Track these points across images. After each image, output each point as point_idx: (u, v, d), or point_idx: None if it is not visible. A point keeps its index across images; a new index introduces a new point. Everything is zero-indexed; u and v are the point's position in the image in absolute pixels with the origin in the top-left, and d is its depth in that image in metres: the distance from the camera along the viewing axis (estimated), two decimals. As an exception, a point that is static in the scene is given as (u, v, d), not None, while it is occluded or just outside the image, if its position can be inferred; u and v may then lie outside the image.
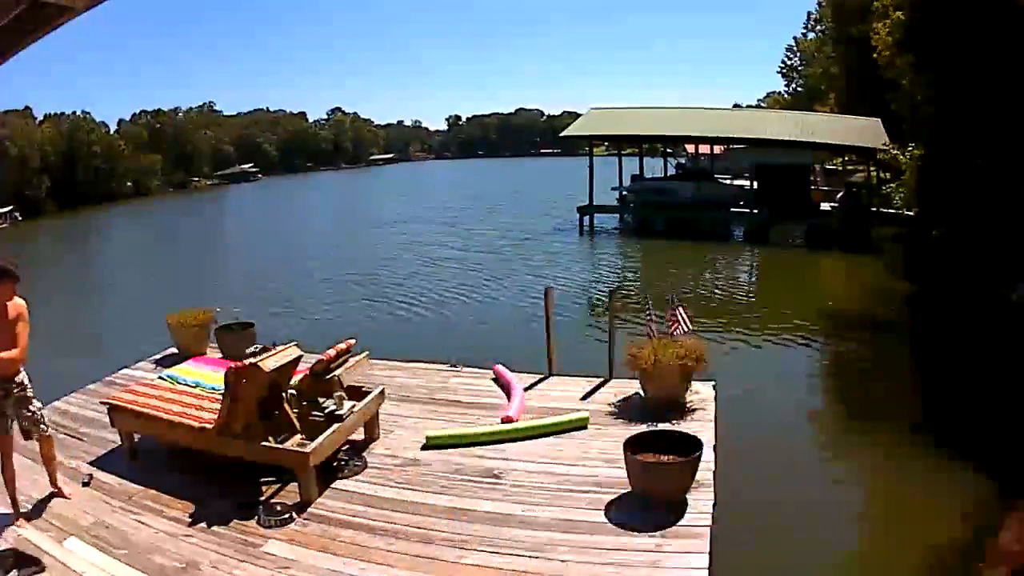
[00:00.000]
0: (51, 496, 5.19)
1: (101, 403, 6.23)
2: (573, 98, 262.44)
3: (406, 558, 4.37)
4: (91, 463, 5.75)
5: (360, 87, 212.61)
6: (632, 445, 4.98)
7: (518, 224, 32.67)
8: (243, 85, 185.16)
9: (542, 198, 44.64)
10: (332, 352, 5.85)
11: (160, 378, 6.54)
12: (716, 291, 18.78)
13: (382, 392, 6.20)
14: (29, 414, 5.01)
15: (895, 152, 22.68)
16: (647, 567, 4.15)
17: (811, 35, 52.67)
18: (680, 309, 7.11)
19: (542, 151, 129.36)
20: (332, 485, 5.30)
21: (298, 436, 5.40)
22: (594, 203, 30.76)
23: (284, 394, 5.56)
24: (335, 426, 5.41)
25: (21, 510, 4.95)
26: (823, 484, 7.77)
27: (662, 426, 5.81)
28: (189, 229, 41.82)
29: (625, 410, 6.46)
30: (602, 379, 7.22)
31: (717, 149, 36.28)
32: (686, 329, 7.02)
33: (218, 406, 5.28)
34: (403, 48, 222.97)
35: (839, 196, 27.71)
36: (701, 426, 5.90)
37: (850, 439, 9.19)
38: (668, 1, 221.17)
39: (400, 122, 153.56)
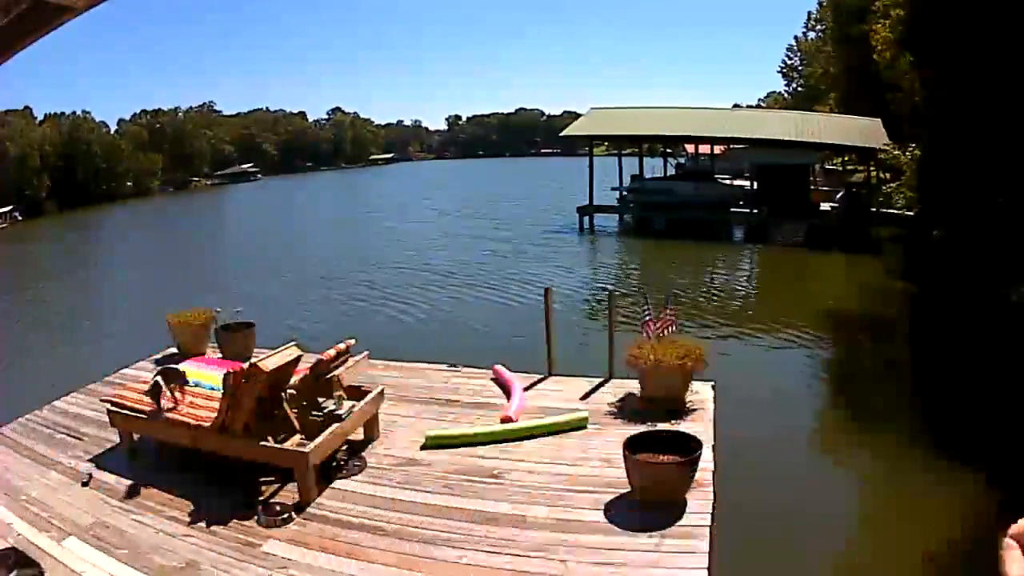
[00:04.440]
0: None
1: (101, 401, 6.23)
2: (573, 98, 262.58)
3: (405, 558, 4.36)
4: (91, 462, 5.74)
5: (360, 87, 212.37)
6: (631, 445, 4.98)
7: (518, 225, 32.68)
8: (243, 85, 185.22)
9: (542, 198, 44.66)
10: (332, 352, 5.85)
11: (160, 378, 6.54)
12: (716, 291, 18.80)
13: (382, 392, 6.20)
14: None
15: (895, 152, 22.70)
16: (646, 567, 4.14)
17: (811, 35, 52.73)
18: (669, 310, 7.10)
19: (542, 151, 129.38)
20: (331, 485, 5.29)
21: (297, 436, 5.40)
22: (594, 203, 30.78)
23: (284, 394, 5.56)
24: (334, 426, 5.41)
25: (20, 509, 4.94)
26: (822, 484, 7.78)
27: (662, 426, 5.79)
28: (195, 229, 41.85)
29: (625, 410, 6.45)
30: (602, 379, 7.20)
31: (717, 149, 36.29)
32: (672, 330, 7.03)
33: (217, 405, 5.28)
34: (403, 47, 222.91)
35: (839, 196, 27.76)
36: (700, 426, 5.89)
37: (849, 439, 9.19)
38: (668, 1, 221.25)
39: (400, 122, 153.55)
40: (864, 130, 26.35)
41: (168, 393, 5.65)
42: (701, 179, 30.96)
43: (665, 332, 6.94)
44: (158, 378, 5.62)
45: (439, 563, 4.31)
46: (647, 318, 7.17)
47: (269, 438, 5.25)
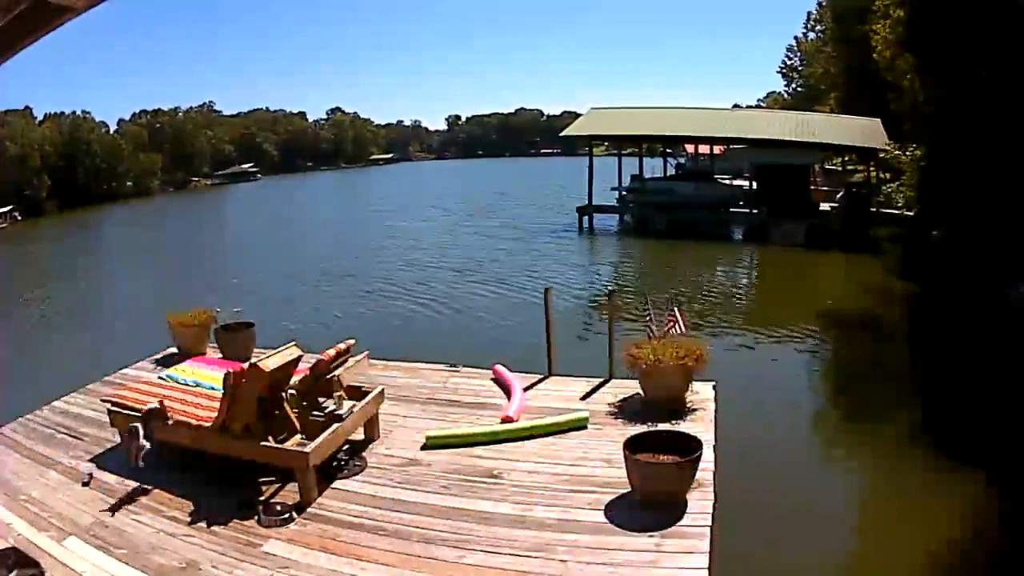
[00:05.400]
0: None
1: (101, 401, 6.22)
2: (573, 98, 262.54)
3: (406, 558, 4.36)
4: (91, 463, 5.74)
5: (360, 87, 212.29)
6: (632, 445, 4.97)
7: (517, 225, 32.68)
8: (243, 84, 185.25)
9: (542, 198, 44.66)
10: (332, 352, 5.84)
11: (160, 378, 6.55)
12: (716, 291, 18.80)
13: (382, 392, 6.19)
14: None
15: (895, 152, 22.72)
16: (647, 567, 4.14)
17: (811, 35, 52.71)
18: (677, 309, 7.10)
19: (542, 151, 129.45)
20: (332, 485, 5.29)
21: (298, 436, 5.40)
22: (594, 203, 30.79)
23: (284, 394, 5.56)
24: (335, 426, 5.41)
25: (20, 509, 4.94)
26: (823, 484, 7.79)
27: (662, 426, 5.79)
28: (195, 229, 41.84)
29: (625, 410, 6.45)
30: (602, 379, 7.20)
31: (717, 149, 36.32)
32: (682, 330, 7.01)
33: (217, 405, 5.28)
34: (403, 47, 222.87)
35: (839, 196, 27.77)
36: (701, 426, 5.89)
37: (850, 439, 9.20)
38: (668, 1, 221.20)
39: (400, 122, 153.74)
40: (864, 130, 26.38)
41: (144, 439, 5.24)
42: (701, 179, 30.99)
43: (673, 331, 6.93)
44: (136, 424, 5.25)
45: (440, 563, 4.31)
46: (648, 318, 7.18)
47: (269, 438, 5.25)
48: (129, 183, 71.47)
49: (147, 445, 5.19)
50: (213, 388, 5.77)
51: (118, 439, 5.95)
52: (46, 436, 6.30)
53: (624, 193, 31.49)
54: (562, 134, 36.34)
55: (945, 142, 18.05)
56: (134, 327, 14.05)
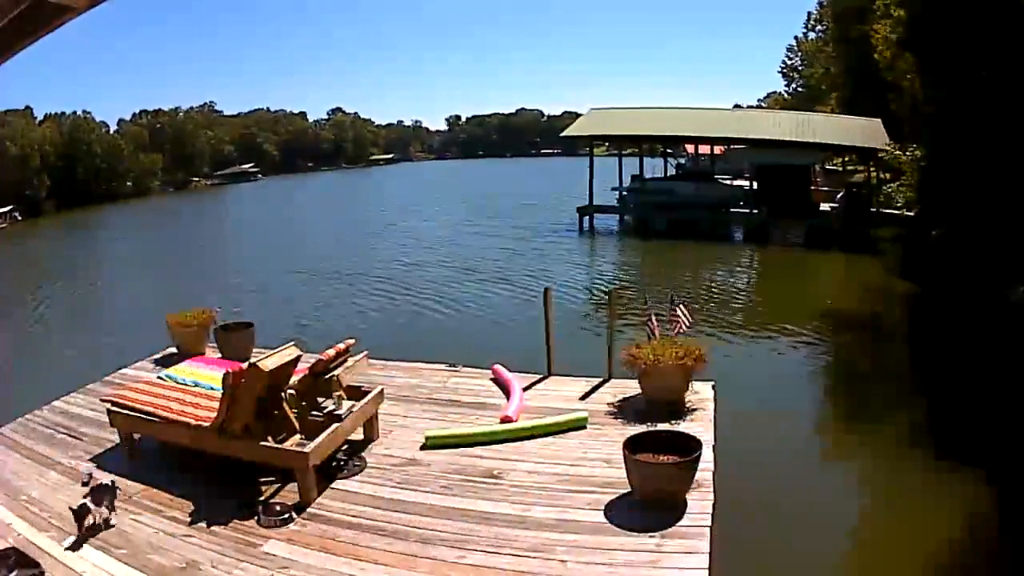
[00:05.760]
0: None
1: (101, 401, 6.22)
2: (573, 98, 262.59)
3: (405, 558, 4.36)
4: (91, 462, 5.73)
5: (360, 87, 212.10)
6: (631, 445, 4.97)
7: (518, 225, 32.67)
8: (243, 85, 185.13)
9: (542, 198, 44.63)
10: (331, 352, 5.84)
11: (159, 378, 6.55)
12: (716, 291, 18.78)
13: (381, 392, 6.19)
14: None
15: (896, 152, 22.72)
16: (647, 567, 4.14)
17: (812, 35, 52.73)
18: (681, 307, 7.10)
19: (543, 151, 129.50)
20: (331, 485, 5.29)
21: (297, 436, 5.40)
22: (594, 203, 30.79)
23: (283, 394, 5.56)
24: (334, 426, 5.41)
25: (20, 509, 4.93)
26: (822, 484, 7.78)
27: (661, 426, 5.79)
28: (195, 229, 41.84)
29: (624, 410, 6.45)
30: (601, 379, 7.21)
31: (717, 149, 36.31)
32: (688, 326, 7.01)
33: (217, 405, 5.27)
34: (403, 47, 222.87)
35: (839, 196, 27.78)
36: (701, 426, 5.89)
37: (850, 439, 9.20)
38: (668, 1, 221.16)
39: (400, 122, 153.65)
40: (864, 130, 26.38)
41: (96, 516, 4.75)
42: (701, 179, 31.00)
43: (682, 329, 6.92)
44: (86, 500, 4.73)
45: (439, 563, 4.31)
46: (648, 318, 7.17)
47: (269, 438, 5.25)
48: (129, 183, 71.45)
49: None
50: (212, 388, 5.78)
51: (118, 439, 5.96)
52: (46, 436, 6.30)
53: (624, 193, 31.49)
54: (563, 134, 36.32)
55: (945, 142, 18.04)
56: (134, 327, 14.05)
